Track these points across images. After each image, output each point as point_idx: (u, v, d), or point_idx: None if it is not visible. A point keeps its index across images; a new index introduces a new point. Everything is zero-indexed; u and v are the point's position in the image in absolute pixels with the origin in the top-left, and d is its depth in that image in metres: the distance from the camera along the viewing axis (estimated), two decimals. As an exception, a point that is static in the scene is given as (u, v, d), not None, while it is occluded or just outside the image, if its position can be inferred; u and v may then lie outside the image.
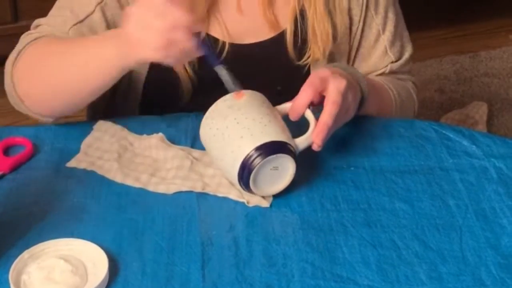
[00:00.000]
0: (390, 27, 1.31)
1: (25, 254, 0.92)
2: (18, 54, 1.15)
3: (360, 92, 1.15)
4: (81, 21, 1.18)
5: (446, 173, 1.10)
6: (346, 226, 1.00)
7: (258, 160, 0.99)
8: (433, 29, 2.95)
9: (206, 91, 1.08)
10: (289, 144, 1.01)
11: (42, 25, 1.21)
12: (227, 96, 1.03)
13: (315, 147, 1.04)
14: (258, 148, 0.99)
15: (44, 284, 0.89)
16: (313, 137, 1.04)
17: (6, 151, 1.12)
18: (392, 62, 1.34)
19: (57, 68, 1.11)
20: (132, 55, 1.02)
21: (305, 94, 1.05)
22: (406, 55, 1.36)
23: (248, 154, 0.99)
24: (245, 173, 0.99)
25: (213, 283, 0.91)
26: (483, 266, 0.95)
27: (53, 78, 1.12)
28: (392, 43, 1.33)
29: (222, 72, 1.02)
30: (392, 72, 1.36)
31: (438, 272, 0.94)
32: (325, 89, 1.06)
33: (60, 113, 1.17)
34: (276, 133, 1.01)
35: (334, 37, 1.25)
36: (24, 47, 1.16)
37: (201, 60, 1.20)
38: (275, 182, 1.03)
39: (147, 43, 0.99)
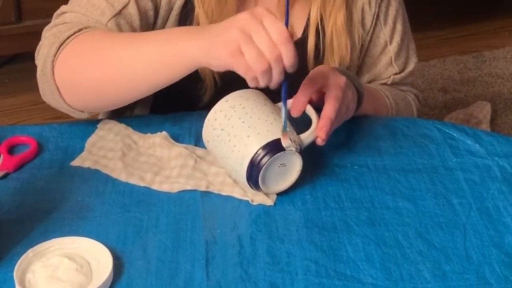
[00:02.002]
0: (397, 38, 1.32)
1: (30, 252, 0.92)
2: (62, 44, 1.09)
3: (356, 92, 1.15)
4: (119, 13, 1.15)
5: (450, 172, 1.10)
6: (350, 225, 1.00)
7: (266, 158, 0.99)
8: (437, 29, 2.95)
9: (226, 91, 1.07)
10: (295, 141, 1.01)
11: (73, 13, 1.15)
12: (228, 97, 1.04)
13: (319, 142, 1.04)
14: (265, 146, 0.99)
15: (49, 282, 0.89)
16: (317, 131, 1.04)
17: (11, 150, 1.12)
18: (395, 74, 1.35)
19: (122, 58, 1.06)
20: (221, 59, 0.96)
21: (306, 89, 1.05)
22: (410, 67, 1.37)
23: (256, 153, 0.99)
24: (254, 172, 1.00)
25: (217, 282, 0.91)
26: (487, 264, 0.95)
27: (114, 68, 1.06)
28: (398, 55, 1.33)
29: (283, 110, 1.00)
30: (394, 83, 1.36)
31: (442, 270, 0.94)
32: (325, 85, 1.07)
33: (99, 108, 1.16)
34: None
35: (352, 50, 1.26)
36: (71, 36, 1.10)
37: None
38: (283, 179, 1.03)
39: (245, 58, 0.94)
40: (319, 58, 1.25)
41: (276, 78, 0.95)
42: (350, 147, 1.14)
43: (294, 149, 1.00)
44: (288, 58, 0.94)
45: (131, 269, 0.92)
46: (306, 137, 1.05)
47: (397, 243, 0.98)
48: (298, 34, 1.25)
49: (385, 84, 1.36)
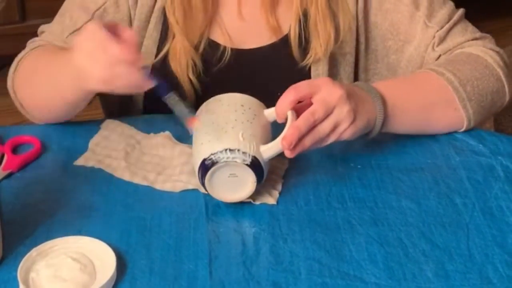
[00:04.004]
0: (424, 2, 1.23)
1: (34, 252, 0.92)
2: (18, 63, 1.18)
3: (373, 111, 1.07)
4: (78, 29, 1.19)
5: (453, 172, 1.10)
6: (353, 224, 1.00)
7: (210, 167, 0.98)
8: (440, 28, 2.95)
9: (208, 96, 1.08)
10: (244, 152, 0.98)
11: (45, 32, 1.23)
12: (210, 100, 1.05)
13: (287, 153, 0.98)
14: (210, 156, 0.98)
15: (52, 282, 0.89)
16: (281, 140, 0.98)
17: (15, 149, 1.12)
18: (437, 31, 1.22)
19: (42, 79, 1.13)
20: (81, 84, 1.02)
21: (286, 96, 1.00)
22: (450, 13, 1.22)
23: (202, 161, 0.99)
24: (201, 179, 1.00)
25: (220, 281, 0.91)
26: (490, 264, 0.95)
27: (39, 88, 1.14)
28: (430, 13, 1.22)
29: (174, 101, 0.99)
30: (442, 41, 1.22)
31: (445, 270, 0.94)
32: (312, 97, 1.01)
33: (52, 120, 1.18)
34: (232, 140, 0.98)
35: (336, 37, 1.23)
36: (24, 56, 1.18)
37: (205, 65, 1.21)
38: (238, 189, 1.01)
39: (92, 74, 0.98)
40: (302, 45, 1.23)
41: (130, 79, 0.97)
42: (353, 147, 1.14)
43: (239, 160, 0.98)
44: (118, 55, 0.96)
45: (135, 268, 0.92)
46: (267, 148, 1.00)
47: (400, 242, 0.98)
48: (286, 29, 1.24)
49: (439, 56, 1.21)
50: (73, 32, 1.20)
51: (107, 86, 0.99)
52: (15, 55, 1.21)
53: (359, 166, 1.11)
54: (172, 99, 0.99)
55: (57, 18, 1.24)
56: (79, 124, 1.18)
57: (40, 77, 1.13)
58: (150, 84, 0.98)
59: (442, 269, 0.94)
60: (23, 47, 1.22)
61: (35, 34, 1.24)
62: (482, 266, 0.94)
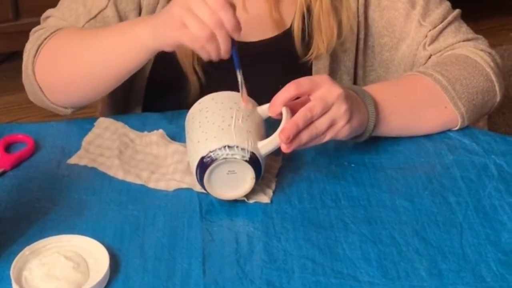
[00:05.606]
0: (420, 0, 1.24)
1: (26, 250, 0.92)
2: (39, 46, 1.16)
3: (366, 114, 1.08)
4: (94, 17, 1.19)
5: (447, 170, 1.10)
6: (347, 223, 1.00)
7: (209, 165, 0.98)
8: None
9: (212, 86, 1.08)
10: (243, 148, 0.98)
11: (54, 17, 1.21)
12: (202, 99, 1.05)
13: (284, 148, 0.99)
14: (209, 154, 0.98)
15: (45, 280, 0.89)
16: (279, 134, 0.98)
17: (8, 148, 1.12)
18: (430, 31, 1.23)
19: (84, 52, 1.12)
20: (168, 36, 1.02)
21: (286, 90, 1.01)
22: (444, 13, 1.24)
23: (201, 158, 0.99)
24: (199, 177, 1.00)
25: (213, 279, 0.91)
26: (483, 262, 0.95)
27: (79, 63, 1.13)
28: (425, 13, 1.23)
29: (239, 77, 1.03)
30: (434, 40, 1.23)
31: (438, 269, 0.94)
32: (312, 94, 1.02)
33: (79, 103, 1.18)
34: (230, 137, 0.99)
35: (339, 34, 1.24)
36: (46, 38, 1.16)
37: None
38: (236, 186, 1.01)
39: (189, 29, 0.99)
40: (305, 40, 1.24)
41: (223, 44, 1.00)
42: (347, 145, 1.14)
43: (238, 157, 0.98)
44: (228, 21, 0.98)
45: (128, 267, 0.92)
46: (265, 144, 1.00)
47: (394, 241, 0.98)
48: (289, 23, 1.25)
49: (429, 56, 1.23)
50: (89, 21, 1.19)
51: (198, 45, 1.00)
52: (9, 53, 1.21)
53: (352, 165, 1.11)
54: (239, 74, 1.03)
55: (66, 3, 1.22)
56: (73, 122, 1.18)
57: (84, 47, 1.12)
58: (229, 54, 1.02)
59: (436, 268, 0.94)
60: (17, 46, 1.21)
61: (28, 33, 1.22)
62: (475, 264, 0.95)
